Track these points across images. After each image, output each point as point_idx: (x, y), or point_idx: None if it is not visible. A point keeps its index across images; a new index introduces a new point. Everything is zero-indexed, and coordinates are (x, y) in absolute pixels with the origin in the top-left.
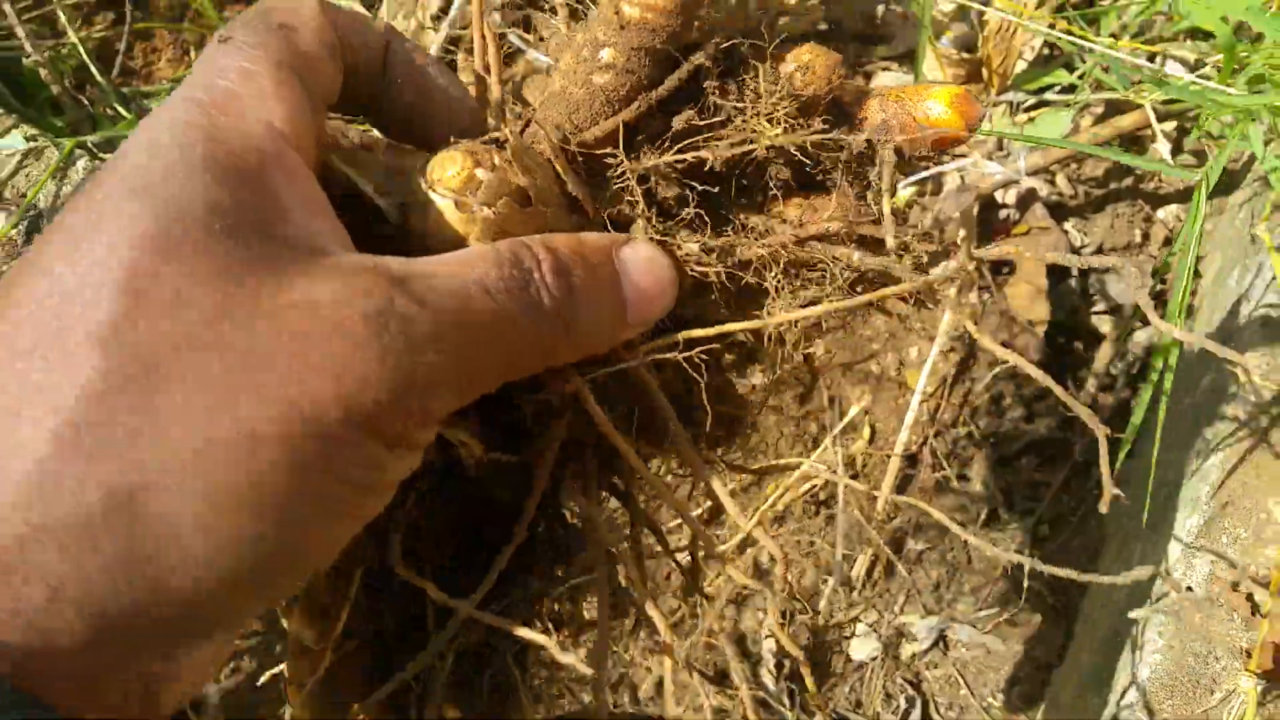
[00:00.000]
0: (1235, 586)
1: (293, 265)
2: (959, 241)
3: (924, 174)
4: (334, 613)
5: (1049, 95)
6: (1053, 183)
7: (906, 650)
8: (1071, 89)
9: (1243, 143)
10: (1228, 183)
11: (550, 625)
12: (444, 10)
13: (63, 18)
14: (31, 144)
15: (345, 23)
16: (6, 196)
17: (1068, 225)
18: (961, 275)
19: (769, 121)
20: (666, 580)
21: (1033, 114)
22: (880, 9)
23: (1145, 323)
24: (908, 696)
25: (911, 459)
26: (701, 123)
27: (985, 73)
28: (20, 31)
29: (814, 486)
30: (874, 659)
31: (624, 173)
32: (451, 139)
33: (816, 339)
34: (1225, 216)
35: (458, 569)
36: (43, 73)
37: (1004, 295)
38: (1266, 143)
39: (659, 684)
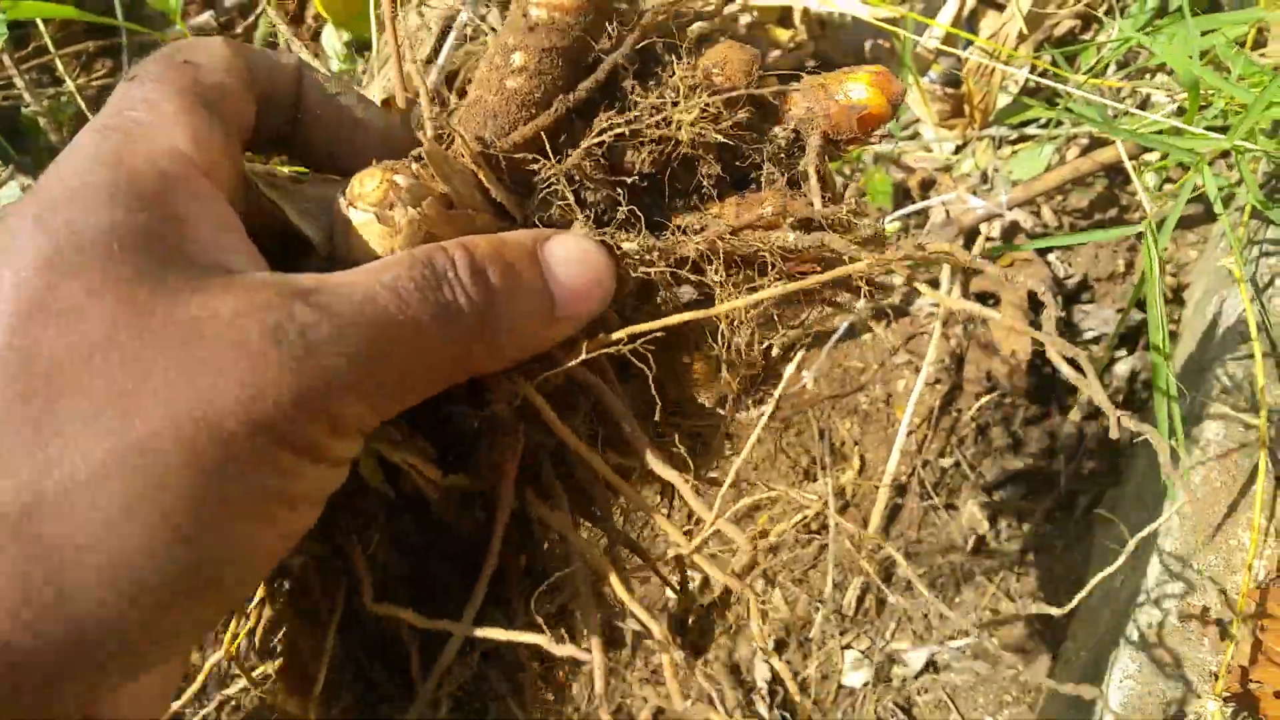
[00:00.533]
0: (1205, 611)
1: (195, 281)
2: (943, 274)
3: (910, 209)
4: (313, 673)
5: (1031, 130)
6: (1037, 214)
7: (897, 675)
8: (1057, 124)
9: (1201, 184)
10: (1212, 211)
11: (539, 656)
12: (435, 54)
13: (60, 66)
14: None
15: (253, 56)
16: None
17: (1051, 256)
18: (913, 255)
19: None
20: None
21: (1015, 148)
22: (868, 44)
23: (1129, 352)
24: None
25: (901, 489)
26: (621, 120)
27: (967, 109)
28: (19, 81)
29: (805, 518)
30: (865, 685)
31: (551, 176)
32: (374, 160)
33: (795, 355)
34: (1208, 245)
35: (434, 605)
36: (41, 121)
37: (988, 327)
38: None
39: (656, 714)
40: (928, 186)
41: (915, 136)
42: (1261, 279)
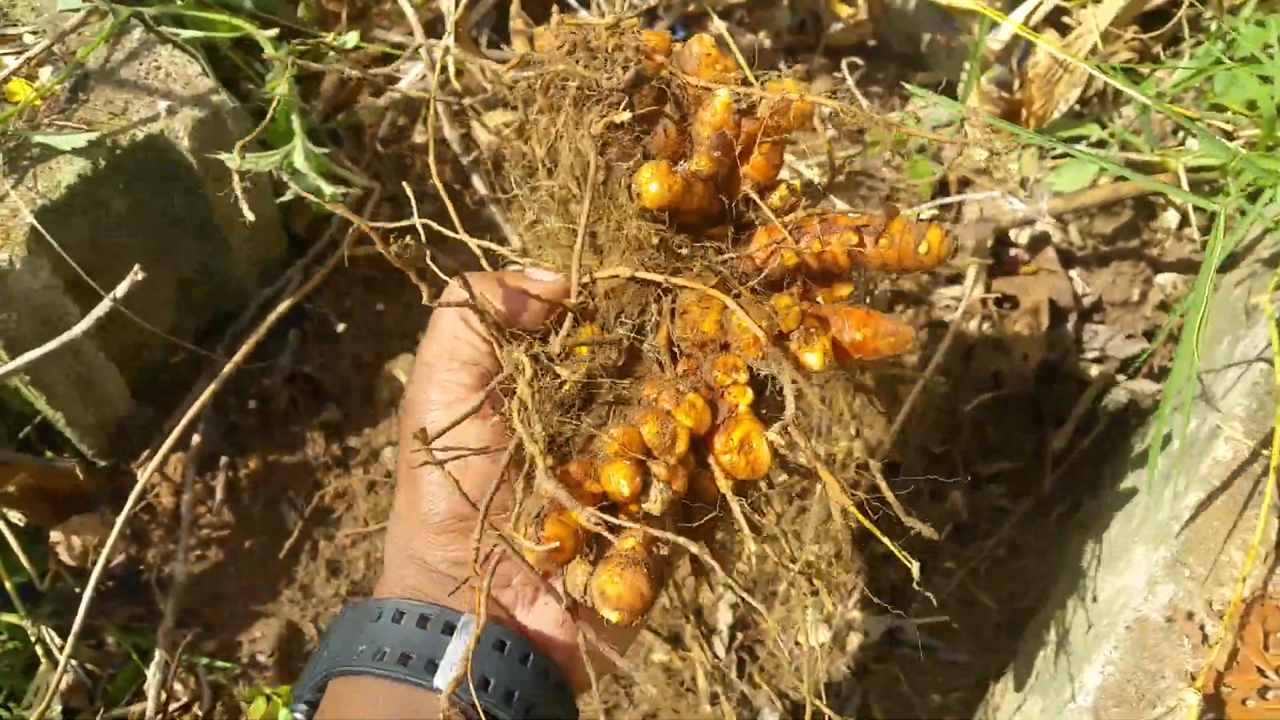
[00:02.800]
0: (1190, 616)
1: None
2: (970, 271)
3: (949, 200)
4: None
5: (1078, 148)
6: (1065, 231)
7: (854, 642)
8: (1101, 144)
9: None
10: (1226, 263)
11: None
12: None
13: None
14: (89, 3)
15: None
16: (56, 52)
17: (1073, 273)
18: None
19: None
20: None
21: (1058, 162)
22: (926, 37)
23: (1130, 376)
24: (848, 685)
25: (892, 468)
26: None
27: (1024, 113)
28: None
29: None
30: (823, 645)
31: None
32: None
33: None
34: (1220, 293)
35: None
36: None
37: (1003, 327)
38: None
39: None
40: (964, 185)
41: (960, 134)
42: None
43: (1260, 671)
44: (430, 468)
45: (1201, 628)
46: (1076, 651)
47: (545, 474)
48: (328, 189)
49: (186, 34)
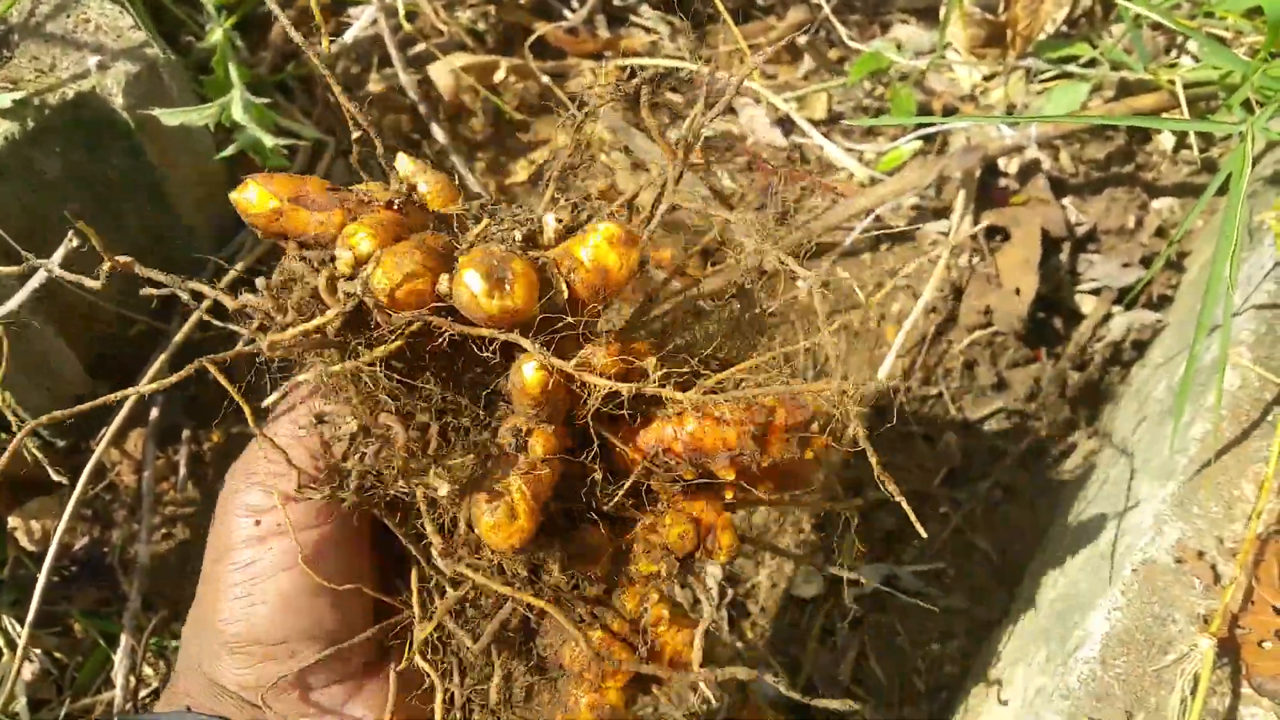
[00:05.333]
0: (1201, 555)
1: None
2: (958, 203)
3: (932, 129)
4: None
5: (1068, 69)
6: (1056, 159)
7: (849, 592)
8: (1092, 64)
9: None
10: (1224, 185)
11: None
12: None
13: None
14: None
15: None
16: None
17: (1065, 201)
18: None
19: None
20: None
21: (1048, 84)
22: None
23: (1127, 307)
24: (845, 637)
25: (880, 412)
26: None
27: (1009, 34)
28: None
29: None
30: (816, 597)
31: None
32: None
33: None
34: (1218, 215)
35: None
36: None
37: (994, 261)
38: None
39: None
40: (949, 113)
41: (943, 60)
42: None
43: (1277, 611)
44: (232, 580)
45: (1213, 567)
46: (1080, 597)
47: None
48: (268, 141)
49: None
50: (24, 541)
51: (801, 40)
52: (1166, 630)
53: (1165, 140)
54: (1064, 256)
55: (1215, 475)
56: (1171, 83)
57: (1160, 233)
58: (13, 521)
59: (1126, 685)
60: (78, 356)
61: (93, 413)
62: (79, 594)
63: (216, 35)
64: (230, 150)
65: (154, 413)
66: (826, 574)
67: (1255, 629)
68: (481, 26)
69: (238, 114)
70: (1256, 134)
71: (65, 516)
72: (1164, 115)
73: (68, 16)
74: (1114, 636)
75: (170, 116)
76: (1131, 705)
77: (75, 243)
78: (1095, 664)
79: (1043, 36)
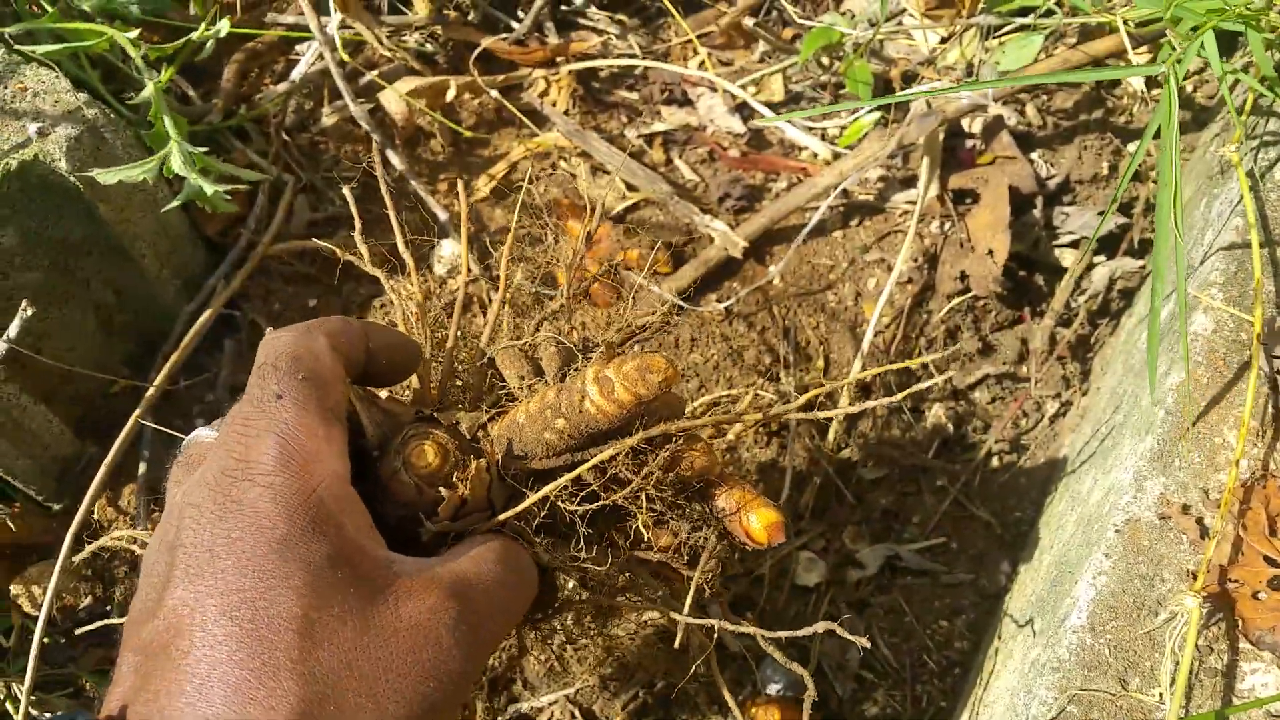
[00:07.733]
0: (1186, 509)
1: (385, 591)
2: (922, 170)
3: (888, 99)
4: None
5: (1022, 20)
6: (1022, 112)
7: (853, 577)
8: (1048, 13)
9: (1202, 52)
10: (1201, 119)
11: None
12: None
13: None
14: None
15: (342, 342)
16: None
17: (1034, 155)
18: None
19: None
20: None
21: (1004, 39)
22: None
23: (1108, 256)
24: (851, 624)
25: (866, 389)
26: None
27: None
28: None
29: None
30: (819, 584)
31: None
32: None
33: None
34: (1196, 153)
35: None
36: None
37: (965, 225)
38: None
39: None
40: (910, 80)
41: (899, 26)
42: (1260, 171)
43: (1268, 560)
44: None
45: (1199, 521)
46: (1069, 564)
47: None
48: (208, 189)
49: (43, 49)
50: (27, 607)
51: (749, 23)
52: (1156, 590)
53: (1135, 81)
54: (1038, 212)
55: (1195, 425)
56: (1126, 23)
57: (1138, 176)
58: (15, 588)
59: (1118, 651)
60: (61, 419)
61: (84, 475)
62: (85, 654)
63: (147, 90)
64: (176, 202)
65: (142, 467)
66: (828, 561)
67: (1247, 580)
68: (430, 48)
69: (177, 165)
70: (1178, 75)
71: (54, 578)
72: (1108, 63)
73: (5, 87)
74: (1101, 602)
75: (106, 175)
76: (1125, 671)
77: (29, 312)
78: (1084, 632)
79: None
